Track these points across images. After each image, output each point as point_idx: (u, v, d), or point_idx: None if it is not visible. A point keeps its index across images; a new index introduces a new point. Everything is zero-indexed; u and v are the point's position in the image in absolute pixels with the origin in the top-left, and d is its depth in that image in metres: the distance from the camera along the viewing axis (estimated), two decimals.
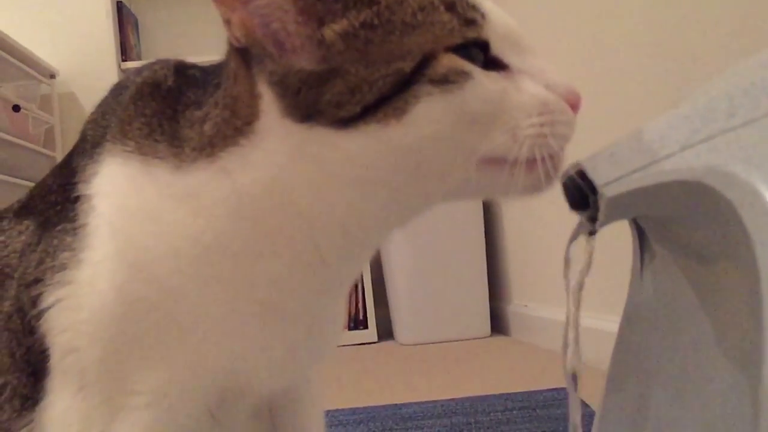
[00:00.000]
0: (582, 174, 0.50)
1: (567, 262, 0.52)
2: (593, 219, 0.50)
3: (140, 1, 3.12)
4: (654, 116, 0.48)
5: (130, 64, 2.83)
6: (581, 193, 0.51)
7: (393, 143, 0.47)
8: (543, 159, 0.49)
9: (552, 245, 1.85)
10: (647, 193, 0.47)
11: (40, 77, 2.75)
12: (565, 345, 0.53)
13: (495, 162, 0.49)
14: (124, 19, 2.92)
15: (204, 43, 2.40)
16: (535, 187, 0.50)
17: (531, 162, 0.49)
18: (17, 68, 2.56)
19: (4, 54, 2.43)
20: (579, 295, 0.52)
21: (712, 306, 0.51)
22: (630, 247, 0.60)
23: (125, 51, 2.90)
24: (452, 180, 0.49)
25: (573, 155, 0.51)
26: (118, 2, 2.88)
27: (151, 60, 0.60)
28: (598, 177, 0.49)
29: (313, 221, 0.50)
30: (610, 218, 0.50)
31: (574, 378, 0.53)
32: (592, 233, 0.51)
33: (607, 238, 0.51)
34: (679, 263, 0.55)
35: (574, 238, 0.53)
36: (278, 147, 0.49)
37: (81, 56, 2.93)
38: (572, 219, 0.54)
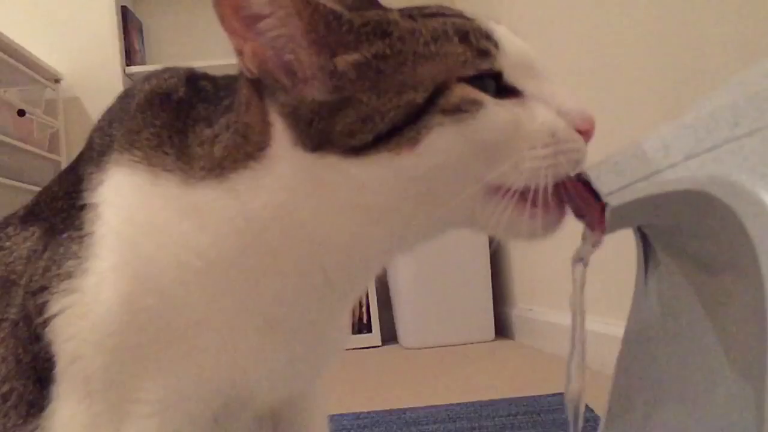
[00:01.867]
0: (586, 183, 0.50)
1: (575, 277, 0.52)
2: None
3: (145, 5, 3.13)
4: (658, 125, 0.48)
5: (135, 69, 2.84)
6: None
7: (404, 172, 0.47)
8: (537, 191, 0.48)
9: (557, 248, 1.84)
10: (651, 202, 0.47)
11: (44, 82, 2.76)
12: (569, 370, 0.53)
13: (498, 190, 0.49)
14: (129, 24, 2.92)
15: (209, 48, 2.41)
16: (534, 231, 0.50)
17: (524, 198, 0.49)
18: (22, 73, 2.57)
19: (8, 59, 2.43)
20: (582, 312, 0.52)
21: (717, 314, 0.51)
22: (636, 250, 0.60)
23: (130, 55, 2.91)
24: (459, 207, 0.50)
25: None
26: (122, 7, 2.88)
27: (159, 67, 0.60)
28: (602, 186, 0.49)
29: (321, 245, 0.51)
30: (614, 227, 0.50)
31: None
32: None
33: (614, 241, 0.51)
34: (683, 271, 0.55)
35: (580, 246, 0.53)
36: (289, 173, 0.49)
37: (86, 61, 2.93)
38: (576, 222, 0.54)
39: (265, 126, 0.50)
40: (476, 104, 0.47)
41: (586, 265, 0.51)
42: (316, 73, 0.49)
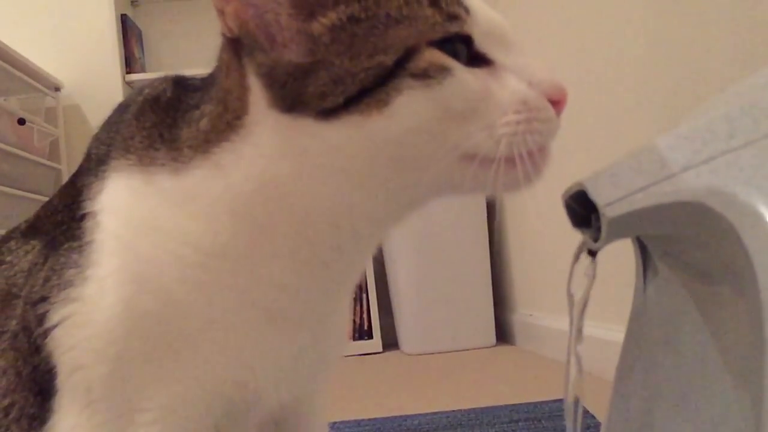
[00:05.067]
0: (584, 193, 0.50)
1: (570, 294, 0.52)
2: (596, 238, 0.51)
3: (144, 13, 3.14)
4: (655, 136, 0.48)
5: (135, 77, 2.85)
6: (583, 212, 0.51)
7: (374, 135, 0.48)
8: (521, 156, 0.49)
9: (557, 254, 1.85)
10: (648, 213, 0.47)
11: (45, 90, 2.76)
12: (568, 373, 0.53)
13: (475, 159, 0.49)
14: (129, 32, 2.93)
15: (208, 55, 2.40)
16: (516, 185, 0.50)
17: (510, 160, 0.49)
18: (22, 81, 2.57)
19: (9, 67, 2.44)
20: (581, 322, 0.52)
21: (715, 323, 0.51)
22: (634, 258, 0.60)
23: (129, 63, 2.91)
24: (434, 173, 0.50)
25: (575, 172, 0.52)
26: (122, 15, 2.89)
27: (159, 74, 0.61)
28: (599, 197, 0.49)
29: (304, 216, 0.51)
30: (612, 238, 0.50)
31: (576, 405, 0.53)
32: (594, 252, 0.52)
33: (614, 245, 0.51)
34: (681, 280, 0.55)
35: (577, 256, 0.53)
36: (266, 140, 0.50)
37: (86, 69, 2.94)
38: (576, 233, 0.54)
39: (243, 90, 0.50)
40: (444, 70, 0.48)
41: (590, 285, 0.52)
42: (294, 37, 0.49)
